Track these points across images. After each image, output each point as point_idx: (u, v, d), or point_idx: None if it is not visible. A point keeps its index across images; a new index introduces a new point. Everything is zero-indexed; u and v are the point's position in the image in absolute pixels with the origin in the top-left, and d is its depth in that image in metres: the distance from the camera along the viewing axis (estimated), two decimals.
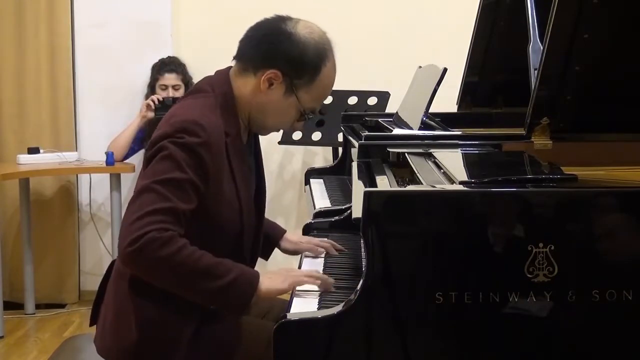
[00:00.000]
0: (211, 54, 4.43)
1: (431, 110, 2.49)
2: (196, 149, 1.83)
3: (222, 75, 2.00)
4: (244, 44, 1.98)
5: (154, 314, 1.91)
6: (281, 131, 4.27)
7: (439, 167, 1.88)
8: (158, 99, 4.32)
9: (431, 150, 2.05)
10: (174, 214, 1.80)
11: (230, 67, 2.02)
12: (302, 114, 1.98)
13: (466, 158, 2.09)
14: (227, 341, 1.96)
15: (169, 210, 1.79)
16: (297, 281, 1.89)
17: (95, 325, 2.09)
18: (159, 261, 1.77)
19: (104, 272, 2.18)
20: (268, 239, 2.24)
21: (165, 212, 1.78)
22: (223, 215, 1.92)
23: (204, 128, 1.85)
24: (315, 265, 2.17)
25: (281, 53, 1.91)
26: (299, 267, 2.17)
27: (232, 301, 1.83)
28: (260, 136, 2.13)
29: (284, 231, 2.31)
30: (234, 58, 2.00)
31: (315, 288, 1.88)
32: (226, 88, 1.96)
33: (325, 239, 2.31)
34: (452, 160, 2.01)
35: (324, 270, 2.08)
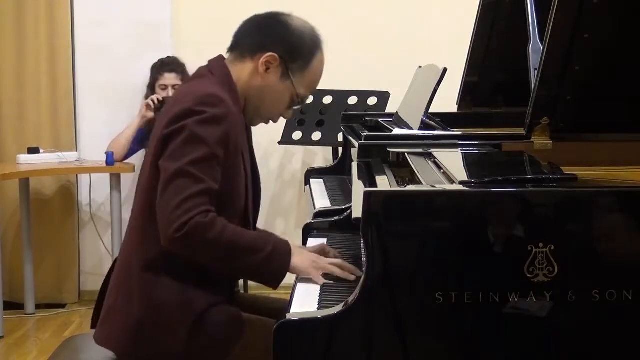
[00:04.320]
0: (211, 54, 4.43)
1: (431, 110, 2.49)
2: (218, 120, 1.92)
3: (218, 63, 2.09)
4: (240, 34, 2.10)
5: (159, 296, 1.95)
6: (281, 131, 4.28)
7: (439, 167, 1.88)
8: (158, 99, 4.32)
9: (431, 150, 2.05)
10: (209, 194, 1.90)
11: (221, 57, 2.11)
12: (293, 101, 2.08)
13: (466, 158, 2.09)
14: (228, 334, 1.98)
15: (204, 191, 1.89)
16: (322, 267, 1.96)
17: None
18: (206, 244, 1.88)
19: (104, 272, 2.20)
20: None
21: (202, 194, 1.88)
22: (236, 184, 2.00)
23: (223, 100, 1.95)
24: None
25: (279, 38, 2.04)
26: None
27: (272, 272, 1.95)
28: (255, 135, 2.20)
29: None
30: (229, 49, 2.11)
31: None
32: (225, 72, 2.06)
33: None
34: (452, 160, 2.01)
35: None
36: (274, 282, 1.97)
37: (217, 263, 1.96)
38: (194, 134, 1.90)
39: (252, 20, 2.10)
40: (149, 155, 2.01)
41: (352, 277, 1.95)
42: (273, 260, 1.94)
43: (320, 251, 2.12)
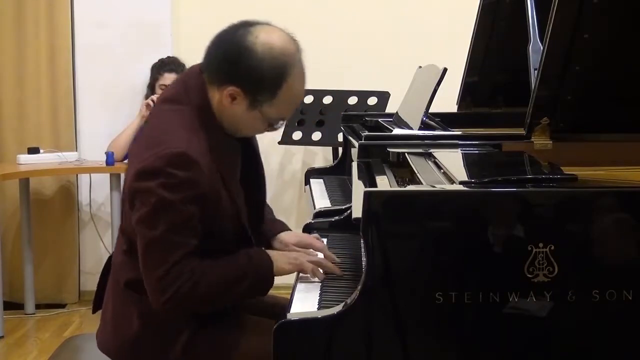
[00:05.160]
0: None
1: (431, 110, 2.49)
2: (188, 184, 1.84)
3: (197, 82, 1.97)
4: (209, 56, 1.96)
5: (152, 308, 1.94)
6: (281, 131, 4.28)
7: (439, 167, 1.89)
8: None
9: (431, 150, 2.05)
10: (191, 253, 1.87)
11: (200, 74, 1.97)
12: (270, 124, 1.98)
13: (466, 158, 2.09)
14: (227, 339, 1.98)
15: (188, 254, 1.86)
16: (301, 268, 2.00)
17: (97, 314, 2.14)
18: (196, 302, 1.89)
19: None
20: (263, 236, 2.22)
21: (185, 257, 1.85)
22: (223, 221, 1.96)
23: (193, 160, 1.85)
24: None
25: (240, 71, 1.90)
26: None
27: (259, 290, 1.99)
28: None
29: (282, 230, 2.27)
30: (202, 67, 1.97)
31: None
32: (202, 99, 1.95)
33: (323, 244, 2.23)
34: (452, 160, 2.01)
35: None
36: (261, 294, 2.02)
37: (208, 308, 1.96)
38: (164, 199, 1.82)
39: (218, 44, 1.95)
40: (125, 191, 1.95)
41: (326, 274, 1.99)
42: (258, 283, 1.95)
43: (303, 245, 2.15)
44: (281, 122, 2.00)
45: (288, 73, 1.91)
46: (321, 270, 2.00)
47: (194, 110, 1.94)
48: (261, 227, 2.17)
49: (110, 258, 2.14)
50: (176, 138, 1.88)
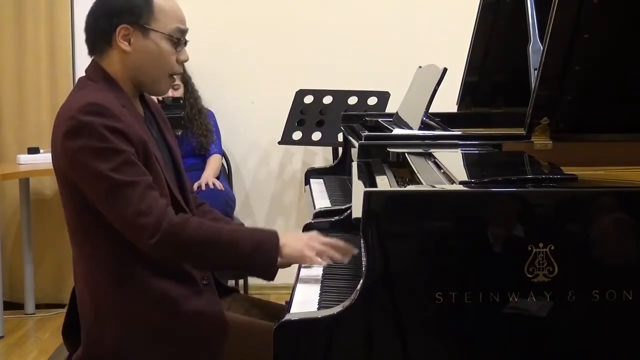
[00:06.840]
0: (211, 54, 4.44)
1: (431, 110, 2.49)
2: (110, 125, 1.88)
3: (91, 68, 2.06)
4: (87, 36, 2.06)
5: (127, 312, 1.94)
6: (281, 131, 4.28)
7: (439, 167, 1.89)
8: (157, 99, 4.31)
9: (431, 150, 2.05)
10: (152, 188, 1.89)
11: (94, 61, 2.06)
12: (174, 42, 2.03)
13: (466, 158, 2.09)
14: (216, 339, 1.97)
15: (146, 188, 1.87)
16: (316, 248, 1.94)
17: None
18: (185, 243, 1.88)
19: None
20: None
21: (147, 192, 1.87)
22: (154, 179, 1.96)
23: (105, 106, 1.91)
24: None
25: (113, 13, 1.99)
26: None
27: (260, 265, 1.93)
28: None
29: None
30: (90, 54, 2.07)
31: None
32: (101, 73, 2.02)
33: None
34: (452, 160, 2.01)
35: (323, 270, 2.07)
36: (267, 273, 1.94)
37: (201, 263, 1.96)
38: (95, 148, 1.87)
39: (87, 19, 2.05)
40: (58, 174, 1.98)
41: (348, 259, 1.94)
42: (259, 253, 1.91)
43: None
44: (182, 34, 2.03)
45: None
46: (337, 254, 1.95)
47: (98, 82, 2.01)
48: (189, 204, 2.13)
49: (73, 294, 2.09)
50: (85, 96, 1.94)
